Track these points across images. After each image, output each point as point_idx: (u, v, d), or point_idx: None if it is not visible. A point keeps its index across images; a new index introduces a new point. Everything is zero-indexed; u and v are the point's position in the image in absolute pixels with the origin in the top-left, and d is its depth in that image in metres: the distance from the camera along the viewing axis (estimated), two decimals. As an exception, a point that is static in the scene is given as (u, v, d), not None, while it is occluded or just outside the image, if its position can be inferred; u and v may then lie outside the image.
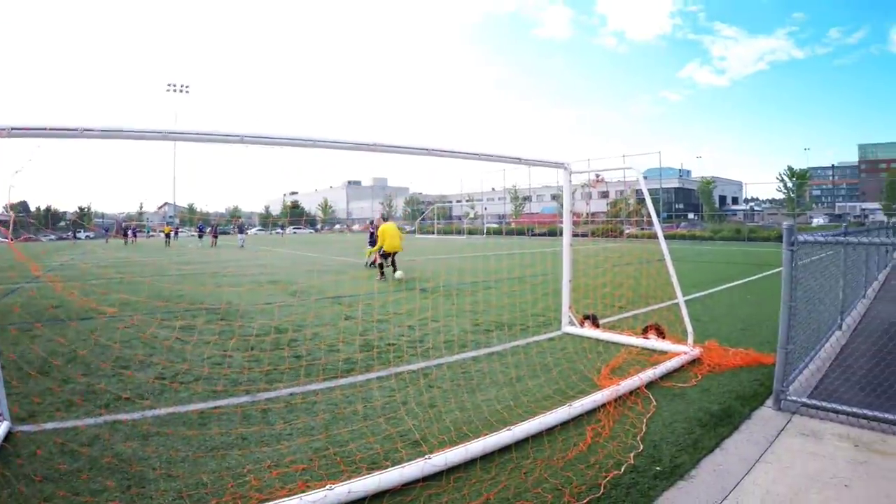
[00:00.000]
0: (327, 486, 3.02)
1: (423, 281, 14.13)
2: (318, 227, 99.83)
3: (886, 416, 3.90)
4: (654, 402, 4.60)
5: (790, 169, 52.47)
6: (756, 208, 66.08)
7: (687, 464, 3.49)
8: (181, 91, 79.28)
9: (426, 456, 3.38)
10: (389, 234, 14.27)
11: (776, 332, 6.66)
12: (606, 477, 3.29)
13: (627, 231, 42.26)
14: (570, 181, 7.23)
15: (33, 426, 4.15)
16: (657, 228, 6.67)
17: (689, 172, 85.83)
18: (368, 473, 3.25)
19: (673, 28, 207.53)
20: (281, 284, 13.59)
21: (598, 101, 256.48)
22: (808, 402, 4.31)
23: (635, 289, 10.85)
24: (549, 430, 3.98)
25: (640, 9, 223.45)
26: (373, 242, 17.80)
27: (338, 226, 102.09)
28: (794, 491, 3.10)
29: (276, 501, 2.91)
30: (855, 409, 4.04)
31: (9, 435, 3.93)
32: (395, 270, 14.37)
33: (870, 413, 3.96)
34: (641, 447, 3.72)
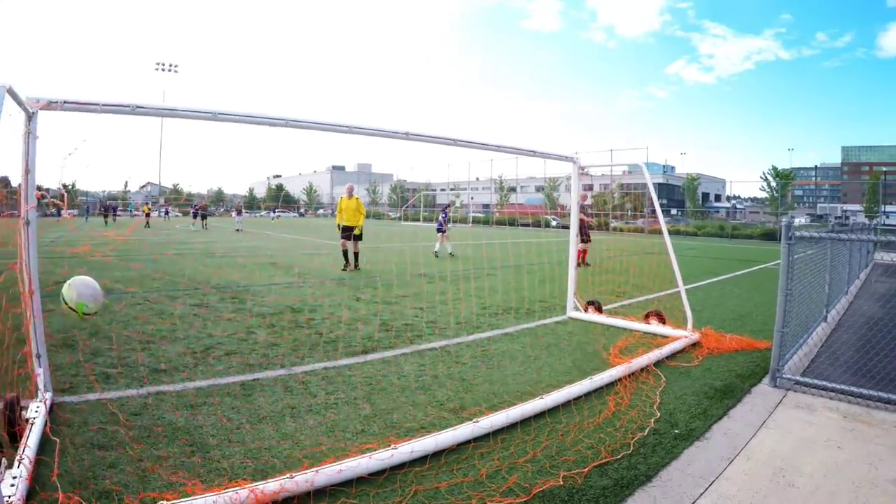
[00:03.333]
0: (392, 446, 3.35)
1: (420, 266, 14.49)
2: (303, 211, 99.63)
3: (871, 392, 4.43)
4: (664, 378, 5.07)
5: (774, 169, 53.37)
6: (738, 206, 67.21)
7: (701, 428, 3.98)
8: (170, 70, 78.84)
9: (474, 420, 3.77)
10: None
11: (766, 322, 7.23)
12: (634, 437, 3.74)
13: (612, 224, 42.93)
14: (578, 174, 7.66)
15: (75, 397, 4.26)
16: (661, 221, 7.13)
17: (673, 168, 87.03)
18: (422, 436, 3.59)
19: (662, 24, 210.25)
20: (282, 266, 13.82)
21: (584, 94, 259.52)
22: (802, 379, 4.83)
23: (632, 279, 11.37)
24: (576, 400, 4.43)
25: (631, 4, 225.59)
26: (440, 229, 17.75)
27: (321, 210, 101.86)
28: (795, 450, 3.61)
29: (347, 460, 3.18)
30: (843, 387, 4.57)
31: (53, 406, 3.98)
32: (353, 263, 13.18)
33: (856, 390, 4.49)
34: (659, 414, 4.19)
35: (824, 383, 4.70)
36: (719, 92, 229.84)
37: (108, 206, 46.18)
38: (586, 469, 3.29)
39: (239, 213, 38.07)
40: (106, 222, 40.72)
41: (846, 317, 8.08)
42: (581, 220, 14.69)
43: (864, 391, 4.47)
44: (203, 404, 4.23)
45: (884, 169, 78.63)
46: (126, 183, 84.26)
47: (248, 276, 11.77)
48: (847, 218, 60.67)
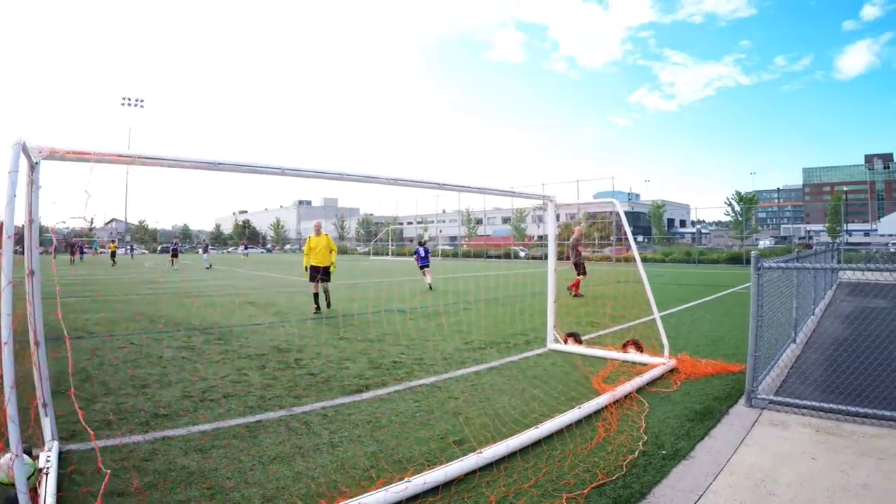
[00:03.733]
0: (405, 479, 3.54)
1: (397, 302, 14.68)
2: (270, 247, 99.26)
3: (840, 407, 4.84)
4: (647, 404, 5.39)
5: (738, 194, 54.70)
6: (703, 231, 68.90)
7: (685, 448, 4.30)
8: (136, 105, 78.55)
9: (478, 451, 4.00)
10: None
11: (738, 346, 7.63)
12: (625, 460, 4.04)
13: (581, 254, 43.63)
14: (555, 212, 8.04)
15: (81, 445, 4.26)
16: (634, 252, 7.54)
17: (638, 196, 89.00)
18: (431, 469, 3.78)
19: (623, 54, 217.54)
20: (260, 306, 13.91)
21: (548, 124, 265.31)
22: (775, 398, 5.21)
23: (607, 309, 11.75)
24: (567, 428, 4.70)
25: (592, 34, 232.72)
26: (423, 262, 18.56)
27: (288, 246, 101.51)
28: (773, 463, 3.96)
29: (365, 495, 3.36)
30: (814, 403, 4.97)
31: (61, 455, 3.94)
32: (325, 302, 12.71)
33: (826, 405, 4.89)
34: (646, 438, 4.50)
35: (796, 401, 5.09)
36: (681, 119, 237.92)
37: (74, 244, 44.92)
38: (586, 490, 3.56)
39: (206, 250, 37.90)
40: (72, 261, 39.85)
41: (814, 337, 8.56)
42: (578, 254, 15.23)
43: (834, 406, 4.86)
44: (212, 447, 4.31)
45: (845, 189, 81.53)
46: (91, 220, 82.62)
47: (229, 316, 11.82)
48: (811, 238, 62.50)
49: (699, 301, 14.49)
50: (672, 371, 6.62)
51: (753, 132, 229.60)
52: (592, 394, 5.73)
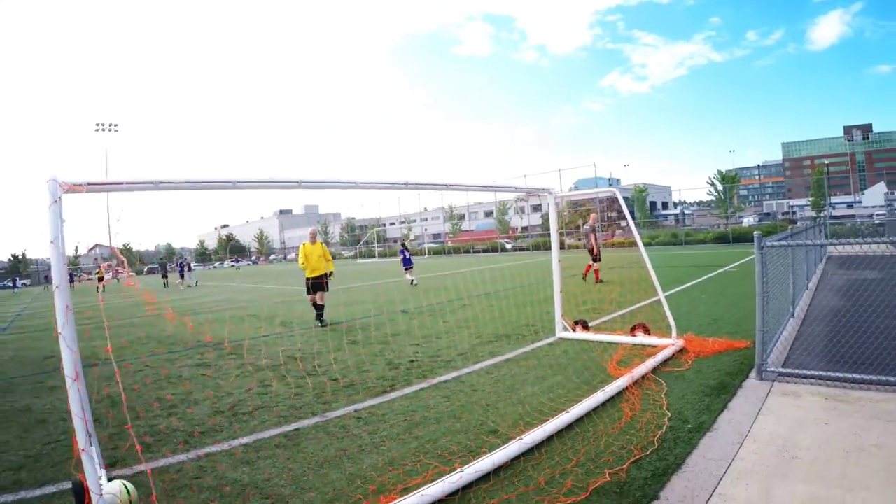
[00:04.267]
0: (458, 469, 3.81)
1: (396, 303, 14.85)
2: (255, 258, 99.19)
3: (846, 375, 5.16)
4: (664, 383, 5.69)
5: (720, 173, 54.62)
6: (686, 211, 69.50)
7: (708, 421, 4.61)
8: (110, 130, 77.73)
9: (518, 438, 4.27)
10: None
11: (739, 323, 7.95)
12: (656, 435, 4.34)
13: (568, 242, 44.12)
14: (555, 204, 8.33)
15: (127, 470, 4.35)
16: (637, 239, 7.90)
17: (618, 181, 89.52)
18: (479, 458, 4.03)
19: (593, 38, 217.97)
20: (262, 318, 14.02)
21: (522, 114, 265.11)
22: (784, 370, 5.54)
23: (606, 295, 12.05)
24: (595, 410, 5.00)
25: (560, 21, 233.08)
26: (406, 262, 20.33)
27: (273, 256, 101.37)
28: (790, 430, 4.28)
29: (424, 488, 3.61)
30: (821, 373, 5.29)
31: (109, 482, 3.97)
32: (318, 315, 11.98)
33: (833, 374, 5.22)
34: (670, 414, 4.80)
35: (805, 372, 5.41)
36: (655, 100, 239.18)
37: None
38: (626, 465, 3.86)
39: (189, 268, 38.21)
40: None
41: (811, 310, 8.92)
42: (593, 241, 15.44)
43: (841, 375, 5.18)
44: (257, 459, 4.44)
45: (826, 161, 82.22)
46: (76, 248, 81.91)
47: (235, 330, 11.89)
48: (794, 213, 62.93)
49: (693, 282, 14.80)
50: (681, 351, 6.93)
51: (729, 109, 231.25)
52: (610, 377, 6.03)
